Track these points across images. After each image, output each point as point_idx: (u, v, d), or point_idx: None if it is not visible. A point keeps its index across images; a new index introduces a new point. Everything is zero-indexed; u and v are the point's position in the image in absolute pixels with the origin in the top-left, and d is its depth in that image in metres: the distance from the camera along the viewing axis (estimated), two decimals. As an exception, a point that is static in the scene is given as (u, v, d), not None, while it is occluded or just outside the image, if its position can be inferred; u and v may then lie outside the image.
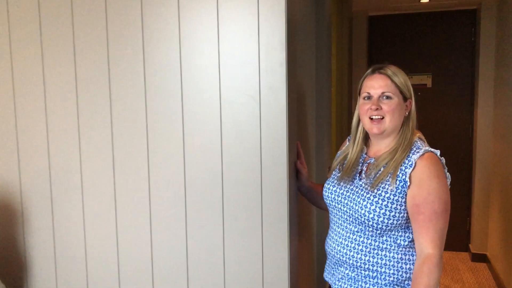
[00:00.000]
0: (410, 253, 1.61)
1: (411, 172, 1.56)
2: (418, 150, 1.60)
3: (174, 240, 1.72)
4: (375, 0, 4.20)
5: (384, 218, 1.57)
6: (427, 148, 1.61)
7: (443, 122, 4.66)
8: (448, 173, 1.62)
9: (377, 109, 1.63)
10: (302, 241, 2.12)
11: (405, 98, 1.67)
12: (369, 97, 1.67)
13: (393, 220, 1.57)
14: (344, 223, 1.68)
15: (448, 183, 1.60)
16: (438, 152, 1.61)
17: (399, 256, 1.60)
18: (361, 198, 1.62)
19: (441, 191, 1.53)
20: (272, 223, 1.63)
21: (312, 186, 1.91)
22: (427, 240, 1.52)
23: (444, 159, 1.62)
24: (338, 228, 1.71)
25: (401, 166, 1.59)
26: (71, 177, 1.80)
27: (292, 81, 1.68)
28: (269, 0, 1.57)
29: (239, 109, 1.62)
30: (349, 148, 1.78)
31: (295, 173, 1.79)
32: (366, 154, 1.74)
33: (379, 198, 1.58)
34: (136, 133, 1.72)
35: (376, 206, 1.57)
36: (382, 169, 1.62)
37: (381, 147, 1.70)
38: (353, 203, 1.64)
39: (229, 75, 1.62)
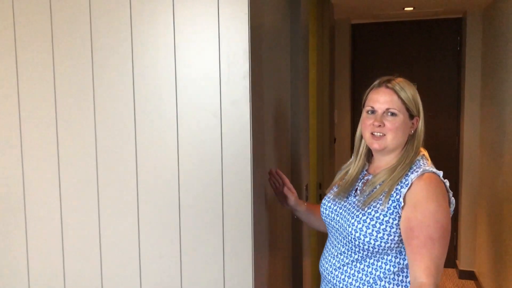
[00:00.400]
0: (401, 280, 1.48)
1: (406, 192, 1.45)
2: (417, 170, 1.49)
3: (126, 272, 1.54)
4: (358, 8, 4.08)
5: (370, 239, 1.46)
6: (428, 168, 1.49)
7: (429, 133, 4.52)
8: (452, 198, 1.50)
9: (379, 125, 1.54)
10: (276, 267, 1.95)
11: (411, 116, 1.56)
12: (372, 112, 1.58)
13: (381, 242, 1.46)
14: (335, 241, 1.60)
15: (451, 208, 1.49)
16: (440, 173, 1.48)
17: (389, 282, 1.47)
18: (350, 216, 1.52)
19: (439, 215, 1.41)
20: (235, 253, 1.46)
21: (310, 208, 1.83)
22: (421, 268, 1.39)
23: (448, 182, 1.49)
24: (330, 245, 1.62)
25: (397, 185, 1.48)
26: (14, 198, 1.62)
27: (258, 95, 1.52)
28: (230, 6, 1.41)
29: (198, 127, 1.45)
30: (351, 163, 1.69)
31: (263, 199, 1.62)
32: (366, 170, 1.65)
33: (367, 217, 1.47)
34: (84, 152, 1.54)
35: (363, 225, 1.47)
36: (378, 186, 1.52)
37: (381, 163, 1.60)
38: (343, 220, 1.55)
39: (186, 88, 1.45)
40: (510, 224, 3.35)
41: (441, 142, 4.59)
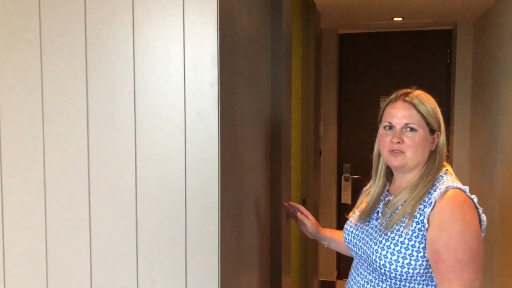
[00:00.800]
0: None
1: (430, 212, 1.34)
2: (440, 187, 1.36)
3: (76, 305, 1.35)
4: (346, 17, 3.94)
5: (397, 266, 1.35)
6: (452, 184, 1.36)
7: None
8: (483, 215, 1.36)
9: (398, 142, 1.44)
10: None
11: (432, 130, 1.46)
12: (390, 127, 1.48)
13: (408, 268, 1.35)
14: (360, 268, 1.52)
15: (482, 227, 1.35)
16: (466, 189, 1.35)
17: None
18: (373, 242, 1.43)
19: (466, 235, 1.28)
20: (200, 283, 1.28)
21: (334, 234, 1.78)
22: None
23: (476, 197, 1.35)
24: (355, 273, 1.54)
25: (419, 204, 1.38)
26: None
27: (229, 105, 1.35)
28: (197, 6, 1.24)
29: (159, 141, 1.28)
30: (372, 184, 1.61)
31: (235, 222, 1.44)
32: (387, 190, 1.56)
33: (391, 243, 1.38)
34: (31, 167, 1.36)
35: (387, 252, 1.37)
36: (399, 207, 1.42)
37: (402, 182, 1.50)
38: (367, 247, 1.46)
39: (146, 97, 1.28)
40: (502, 249, 3.20)
41: (430, 156, 4.46)
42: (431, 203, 1.35)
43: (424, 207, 1.36)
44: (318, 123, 3.82)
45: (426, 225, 1.34)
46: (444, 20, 4.05)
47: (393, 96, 1.53)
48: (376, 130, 1.57)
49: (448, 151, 1.51)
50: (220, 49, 1.24)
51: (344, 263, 4.54)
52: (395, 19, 3.90)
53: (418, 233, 1.35)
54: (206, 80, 1.25)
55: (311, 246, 3.41)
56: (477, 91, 4.01)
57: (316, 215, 3.58)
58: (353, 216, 1.61)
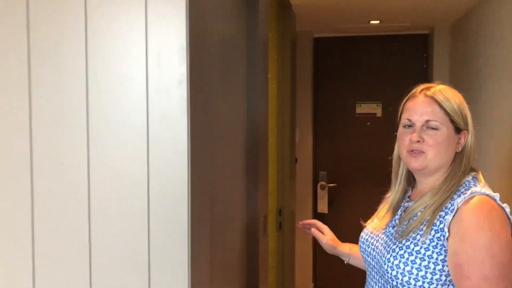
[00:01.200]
0: None
1: (451, 219, 1.19)
2: (465, 192, 1.20)
3: None
4: (321, 20, 3.81)
5: (410, 278, 1.21)
6: (479, 189, 1.21)
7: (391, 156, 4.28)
8: None
9: (418, 141, 1.29)
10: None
11: (457, 129, 1.32)
12: (410, 125, 1.34)
13: (423, 282, 1.20)
14: (371, 281, 1.39)
15: None
16: (496, 196, 1.19)
17: None
18: (386, 250, 1.30)
19: (494, 248, 1.12)
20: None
21: (353, 249, 1.63)
22: None
23: (508, 207, 1.19)
24: (369, 286, 1.41)
25: (441, 211, 1.23)
26: None
27: (200, 107, 1.15)
28: (163, -13, 1.05)
29: (116, 149, 1.07)
30: (392, 190, 1.47)
31: (206, 250, 1.24)
32: (409, 196, 1.42)
33: (405, 251, 1.23)
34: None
35: (400, 261, 1.23)
36: (419, 213, 1.27)
37: (424, 187, 1.35)
38: (379, 255, 1.33)
39: (101, 98, 1.07)
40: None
41: (407, 164, 4.34)
42: (453, 209, 1.21)
43: (446, 214, 1.21)
44: (294, 129, 3.66)
45: (447, 234, 1.18)
46: (421, 24, 3.96)
47: (414, 89, 1.38)
48: (395, 132, 1.41)
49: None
50: (190, 40, 1.05)
51: (320, 276, 4.38)
52: (372, 22, 3.79)
53: (437, 243, 1.20)
54: (173, 76, 1.05)
55: (287, 260, 3.23)
56: (455, 96, 3.93)
57: (292, 226, 3.40)
58: (371, 224, 1.48)
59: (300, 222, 1.71)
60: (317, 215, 4.32)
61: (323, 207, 4.32)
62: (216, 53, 1.36)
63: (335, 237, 1.68)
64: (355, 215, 4.32)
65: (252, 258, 2.00)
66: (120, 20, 1.06)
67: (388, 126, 4.74)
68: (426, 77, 4.29)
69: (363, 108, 4.33)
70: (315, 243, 4.38)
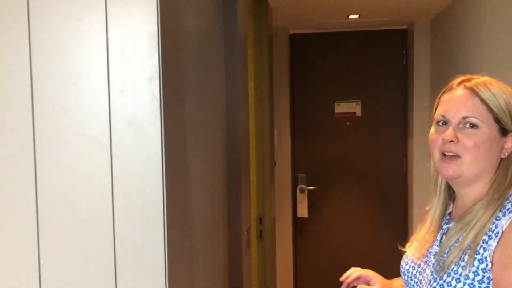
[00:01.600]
0: None
1: (496, 246, 1.00)
2: (511, 209, 1.02)
3: None
4: (298, 15, 3.63)
5: None
6: None
7: (374, 155, 4.14)
8: None
9: (452, 141, 1.07)
10: None
11: (503, 130, 1.09)
12: (444, 122, 1.11)
13: None
14: None
15: None
16: None
17: None
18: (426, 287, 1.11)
19: None
20: None
21: None
22: None
23: None
24: None
25: (484, 235, 1.03)
26: None
27: (175, 109, 0.94)
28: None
29: (72, 161, 0.85)
30: (431, 203, 1.23)
31: (186, 277, 1.03)
32: (449, 214, 1.19)
33: None
34: None
35: None
36: (459, 239, 1.07)
37: (465, 201, 1.13)
38: None
39: (50, 100, 0.85)
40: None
41: (387, 164, 4.19)
42: (497, 233, 1.01)
43: (489, 239, 1.01)
44: (273, 131, 3.47)
45: (489, 265, 1.00)
46: (400, 18, 3.84)
47: (452, 82, 1.17)
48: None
49: None
50: (162, 25, 0.84)
51: (300, 281, 4.21)
52: (350, 16, 3.63)
53: (483, 276, 1.01)
54: (142, 71, 0.84)
55: (269, 270, 3.04)
56: (436, 92, 3.81)
57: (273, 234, 3.21)
58: (410, 249, 1.23)
59: (343, 280, 1.39)
60: (296, 220, 4.14)
61: (303, 211, 4.14)
62: (192, 43, 1.16)
63: (384, 280, 1.42)
64: (336, 218, 4.20)
65: (236, 272, 1.80)
66: (71, 1, 0.84)
67: (368, 126, 4.64)
68: (406, 74, 4.17)
69: (342, 107, 4.18)
70: (295, 249, 4.21)
